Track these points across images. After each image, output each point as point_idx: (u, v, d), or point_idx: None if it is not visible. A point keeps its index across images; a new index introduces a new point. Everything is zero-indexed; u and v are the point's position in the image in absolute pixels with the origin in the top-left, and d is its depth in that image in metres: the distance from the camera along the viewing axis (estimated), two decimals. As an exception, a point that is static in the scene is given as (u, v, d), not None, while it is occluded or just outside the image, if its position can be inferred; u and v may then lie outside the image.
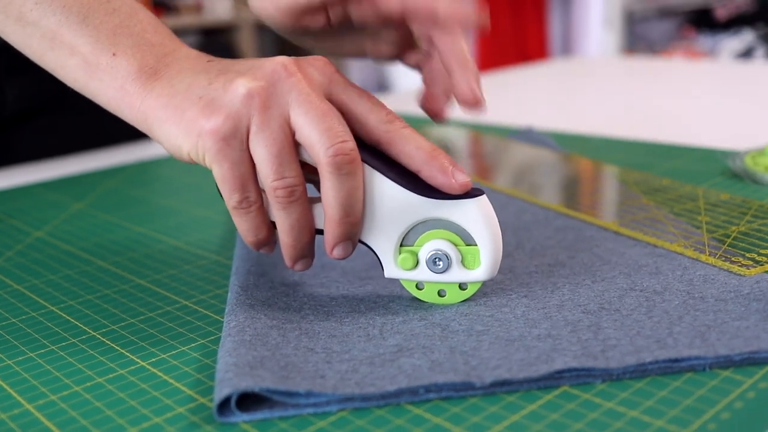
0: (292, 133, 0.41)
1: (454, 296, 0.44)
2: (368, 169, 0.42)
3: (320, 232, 0.43)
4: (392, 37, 0.52)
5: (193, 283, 0.50)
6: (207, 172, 0.76)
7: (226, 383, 0.35)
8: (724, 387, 0.35)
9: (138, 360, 0.41)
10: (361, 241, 0.43)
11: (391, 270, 0.44)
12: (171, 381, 0.38)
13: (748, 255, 0.48)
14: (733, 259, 0.47)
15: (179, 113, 0.41)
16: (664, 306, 0.42)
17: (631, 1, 2.84)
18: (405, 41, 0.52)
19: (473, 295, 0.44)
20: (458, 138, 0.84)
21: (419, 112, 0.52)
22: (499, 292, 0.45)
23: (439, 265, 0.43)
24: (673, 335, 0.38)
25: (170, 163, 0.82)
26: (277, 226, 0.42)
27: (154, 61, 0.44)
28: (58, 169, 0.82)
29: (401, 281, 0.44)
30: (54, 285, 0.51)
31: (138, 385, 0.38)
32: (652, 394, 0.35)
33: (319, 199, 0.43)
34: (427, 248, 0.43)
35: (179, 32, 2.63)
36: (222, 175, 0.41)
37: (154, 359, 0.41)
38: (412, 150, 0.42)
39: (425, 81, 0.51)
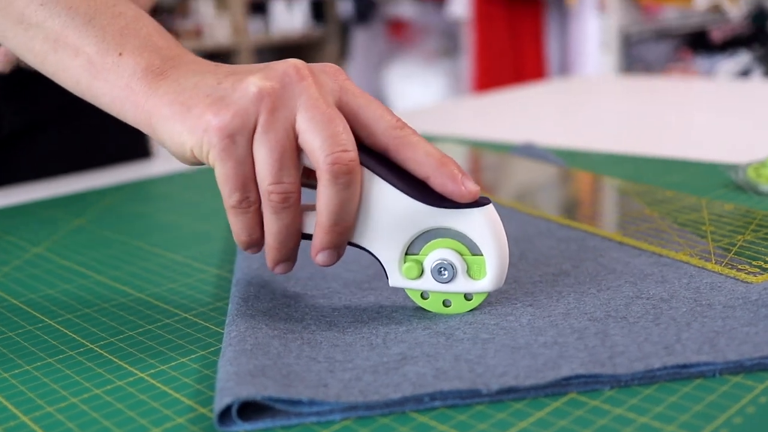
0: (296, 137, 0.40)
1: (459, 306, 0.43)
2: (374, 177, 0.41)
3: (308, 237, 0.43)
4: None
5: (192, 296, 0.49)
6: (206, 188, 0.76)
7: (227, 392, 0.34)
8: (736, 392, 0.34)
9: (136, 371, 0.40)
10: (365, 250, 0.43)
11: (395, 279, 0.43)
12: (170, 392, 0.38)
13: (754, 263, 0.47)
14: (739, 267, 0.47)
15: (185, 110, 0.41)
16: (672, 313, 0.41)
17: (628, 23, 2.86)
18: None
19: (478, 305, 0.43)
20: (458, 154, 0.84)
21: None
22: (503, 301, 0.44)
23: (444, 274, 0.42)
24: (681, 341, 0.38)
25: (170, 180, 0.81)
26: (265, 228, 0.42)
27: (160, 62, 0.43)
28: (56, 188, 0.81)
29: (406, 290, 0.44)
30: (51, 299, 0.51)
31: (136, 396, 0.37)
32: (662, 400, 0.34)
33: (313, 207, 0.42)
34: (432, 257, 0.42)
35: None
36: (225, 173, 0.41)
37: (152, 370, 0.40)
38: (421, 157, 0.41)
39: None
